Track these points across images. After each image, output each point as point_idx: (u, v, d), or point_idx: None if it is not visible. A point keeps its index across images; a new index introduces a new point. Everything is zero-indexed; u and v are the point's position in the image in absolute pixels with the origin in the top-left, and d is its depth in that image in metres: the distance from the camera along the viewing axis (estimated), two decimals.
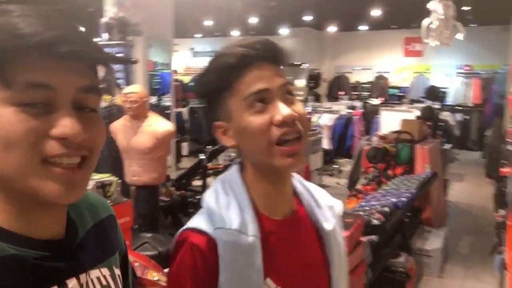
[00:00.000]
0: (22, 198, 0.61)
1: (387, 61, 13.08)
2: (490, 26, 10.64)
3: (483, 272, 4.25)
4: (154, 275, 2.22)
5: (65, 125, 0.59)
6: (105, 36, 4.87)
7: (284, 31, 12.47)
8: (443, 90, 11.55)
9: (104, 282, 0.71)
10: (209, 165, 4.94)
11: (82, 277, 0.66)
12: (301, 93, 11.34)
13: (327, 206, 1.00)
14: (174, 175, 5.43)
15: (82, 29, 0.64)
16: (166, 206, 4.31)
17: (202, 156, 4.76)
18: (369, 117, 9.63)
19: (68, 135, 0.59)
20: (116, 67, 4.60)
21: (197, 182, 5.05)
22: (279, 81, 0.88)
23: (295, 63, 11.60)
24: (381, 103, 10.24)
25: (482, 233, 5.31)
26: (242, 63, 0.87)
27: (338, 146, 9.15)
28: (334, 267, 0.97)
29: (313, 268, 0.96)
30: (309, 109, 9.30)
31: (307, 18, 10.85)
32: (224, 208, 0.88)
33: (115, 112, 4.07)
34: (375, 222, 3.19)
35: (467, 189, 7.60)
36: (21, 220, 0.62)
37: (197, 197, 4.43)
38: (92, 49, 0.62)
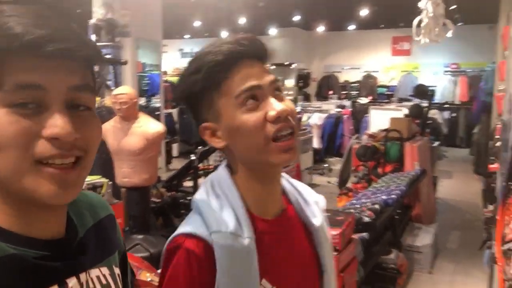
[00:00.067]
0: (19, 199, 0.61)
1: (375, 60, 13.17)
2: (477, 25, 10.76)
3: (472, 267, 4.31)
4: (147, 276, 2.22)
5: (56, 125, 0.58)
6: (93, 37, 4.84)
7: (273, 31, 12.49)
8: (431, 88, 11.67)
9: (104, 281, 0.70)
10: (200, 166, 4.93)
11: (82, 276, 0.66)
12: (291, 92, 11.36)
13: (314, 202, 1.01)
14: (164, 176, 5.42)
15: (75, 27, 0.63)
16: (157, 207, 4.29)
17: (193, 157, 4.76)
18: (358, 116, 9.69)
19: (59, 135, 0.58)
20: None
21: (188, 183, 5.04)
22: (268, 78, 0.87)
23: (284, 63, 11.63)
24: (370, 102, 10.31)
25: (471, 229, 5.37)
26: (230, 60, 0.85)
27: (328, 145, 9.20)
28: (325, 262, 0.98)
29: (305, 265, 0.96)
30: (298, 108, 9.32)
31: (296, 18, 10.89)
32: (217, 211, 0.86)
33: (104, 114, 4.04)
34: (366, 219, 3.22)
35: (456, 186, 7.69)
36: (21, 220, 0.62)
37: (188, 198, 4.42)
38: (83, 47, 0.61)
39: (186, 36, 14.39)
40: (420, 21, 4.94)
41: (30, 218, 0.62)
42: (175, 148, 9.13)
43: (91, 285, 0.67)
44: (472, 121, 10.50)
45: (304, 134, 7.23)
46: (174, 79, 12.09)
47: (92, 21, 4.81)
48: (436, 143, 7.26)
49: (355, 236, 2.95)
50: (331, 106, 9.88)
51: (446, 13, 5.01)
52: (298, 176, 6.13)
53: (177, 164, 7.46)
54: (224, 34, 12.91)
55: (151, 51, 6.58)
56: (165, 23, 6.38)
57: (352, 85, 13.41)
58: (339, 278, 2.53)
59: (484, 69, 10.41)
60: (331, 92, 12.81)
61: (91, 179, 2.90)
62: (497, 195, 3.15)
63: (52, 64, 0.58)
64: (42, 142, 0.58)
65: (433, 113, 9.60)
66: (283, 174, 0.98)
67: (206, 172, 4.98)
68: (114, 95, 3.51)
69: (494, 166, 4.14)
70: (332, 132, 9.22)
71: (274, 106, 0.84)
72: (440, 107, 11.37)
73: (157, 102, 6.97)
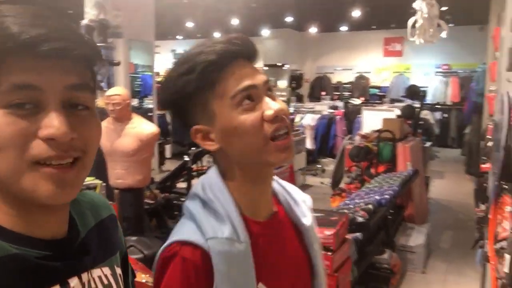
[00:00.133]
0: (20, 199, 0.60)
1: (367, 61, 13.23)
2: (468, 26, 10.85)
3: (465, 266, 4.34)
4: (142, 277, 2.21)
5: (52, 125, 0.57)
6: None
7: (265, 32, 12.51)
8: (422, 89, 11.74)
9: (105, 281, 0.70)
10: (194, 167, 4.92)
11: (84, 276, 0.66)
12: (284, 93, 11.38)
13: (302, 201, 1.01)
14: (157, 177, 5.40)
15: (74, 27, 0.63)
16: (151, 209, 4.28)
17: (186, 158, 4.75)
18: (351, 116, 9.73)
19: (55, 136, 0.57)
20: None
21: (181, 185, 5.03)
22: (261, 78, 0.86)
23: (277, 64, 11.65)
24: (363, 103, 10.36)
25: (463, 228, 5.42)
26: (224, 59, 0.83)
27: (321, 146, 9.23)
28: (316, 262, 0.98)
29: (298, 266, 0.96)
30: (291, 109, 9.35)
31: (288, 19, 10.91)
32: (211, 216, 0.84)
33: (97, 115, 4.03)
34: (360, 219, 3.23)
35: (448, 186, 7.74)
36: (23, 220, 0.62)
37: (182, 199, 4.42)
38: (81, 46, 0.60)
39: (179, 37, 14.36)
40: (414, 22, 4.98)
41: (31, 218, 0.62)
42: (168, 150, 9.11)
43: (93, 285, 0.67)
44: (464, 122, 10.59)
45: (297, 135, 7.25)
46: None
47: (84, 21, 4.78)
48: (428, 144, 7.31)
49: (349, 236, 2.96)
50: (324, 107, 9.91)
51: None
52: (291, 176, 6.14)
53: (170, 166, 7.43)
54: (217, 35, 12.91)
55: (143, 52, 6.55)
56: (158, 24, 6.37)
57: (345, 86, 13.46)
58: (333, 278, 2.54)
59: (475, 70, 10.49)
60: (323, 93, 12.86)
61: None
62: (489, 195, 3.18)
63: (48, 63, 0.58)
64: (39, 143, 0.58)
65: (425, 114, 9.67)
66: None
67: (200, 173, 4.96)
68: (107, 96, 3.49)
69: (485, 166, 4.17)
70: (325, 133, 9.25)
71: (271, 106, 0.84)
72: (432, 107, 11.45)
73: (150, 103, 6.95)
